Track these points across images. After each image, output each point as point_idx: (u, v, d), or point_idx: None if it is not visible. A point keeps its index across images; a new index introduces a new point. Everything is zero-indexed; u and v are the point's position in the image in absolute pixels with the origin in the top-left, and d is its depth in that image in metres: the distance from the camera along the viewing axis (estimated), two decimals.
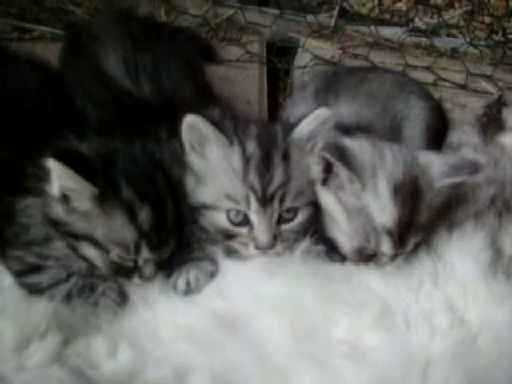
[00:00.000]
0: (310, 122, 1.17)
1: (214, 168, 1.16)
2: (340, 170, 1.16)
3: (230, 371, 1.06)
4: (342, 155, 1.15)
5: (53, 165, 1.02)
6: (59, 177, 1.03)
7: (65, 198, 1.06)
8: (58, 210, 1.08)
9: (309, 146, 1.18)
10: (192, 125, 1.13)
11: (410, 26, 2.17)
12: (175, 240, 1.15)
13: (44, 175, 1.07)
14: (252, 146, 1.15)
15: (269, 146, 1.15)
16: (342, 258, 1.23)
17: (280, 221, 1.17)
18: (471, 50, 2.14)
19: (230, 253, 1.22)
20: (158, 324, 1.15)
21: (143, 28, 1.56)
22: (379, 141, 1.26)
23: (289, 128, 1.18)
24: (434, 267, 1.22)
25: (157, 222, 1.09)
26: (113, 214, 1.06)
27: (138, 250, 1.09)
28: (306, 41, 2.05)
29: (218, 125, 1.15)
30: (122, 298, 1.20)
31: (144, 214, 1.07)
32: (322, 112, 1.17)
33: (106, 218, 1.06)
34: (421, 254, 1.23)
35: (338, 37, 2.11)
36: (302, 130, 1.17)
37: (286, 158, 1.15)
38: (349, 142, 1.20)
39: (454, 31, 2.21)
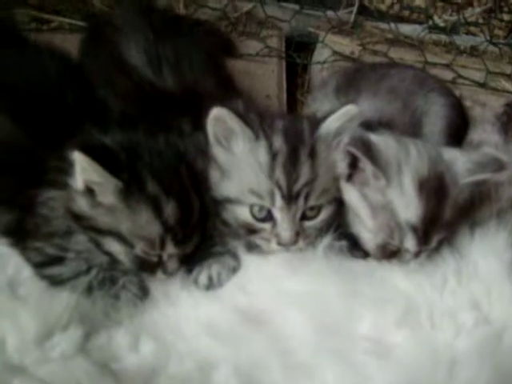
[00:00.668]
0: (338, 118, 1.15)
1: (240, 162, 1.15)
2: (366, 165, 1.14)
3: (254, 366, 1.05)
4: (368, 150, 1.14)
5: (78, 158, 1.01)
6: (84, 170, 1.02)
7: (89, 192, 1.05)
8: (82, 204, 1.07)
9: (335, 142, 1.16)
10: (218, 117, 1.12)
11: (430, 23, 2.14)
12: (200, 235, 1.14)
13: (67, 168, 1.06)
14: (279, 142, 1.13)
15: (296, 141, 1.14)
16: (365, 255, 1.23)
17: (303, 218, 1.16)
18: (490, 48, 2.12)
19: (252, 248, 1.21)
20: (180, 319, 1.14)
21: (164, 20, 1.55)
22: (403, 137, 1.24)
23: (316, 124, 1.17)
24: (457, 266, 1.20)
25: (182, 216, 1.08)
26: (138, 209, 1.05)
27: (163, 245, 1.08)
28: (326, 36, 2.03)
29: (244, 118, 1.13)
30: (143, 292, 1.19)
31: (169, 209, 1.06)
32: (350, 109, 1.15)
33: (131, 213, 1.05)
34: (443, 252, 1.22)
35: (357, 33, 2.10)
36: (329, 126, 1.15)
37: (312, 155, 1.14)
38: (374, 138, 1.19)
39: (473, 29, 2.19)
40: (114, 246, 1.09)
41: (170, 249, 1.10)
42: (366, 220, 1.18)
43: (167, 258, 1.11)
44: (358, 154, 1.13)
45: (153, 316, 1.16)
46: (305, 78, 2.04)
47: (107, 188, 1.04)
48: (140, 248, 1.08)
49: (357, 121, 1.16)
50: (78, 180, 1.04)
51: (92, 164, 1.00)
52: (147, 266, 1.12)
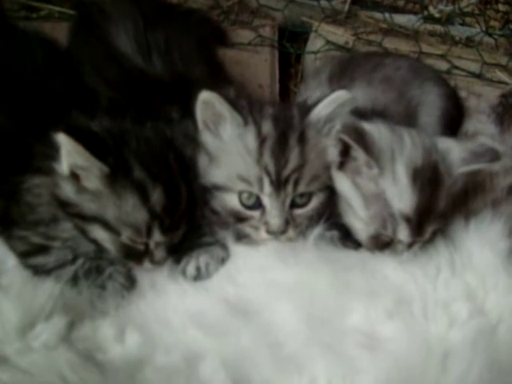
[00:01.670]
0: (328, 104, 1.13)
1: (228, 148, 1.13)
2: (358, 153, 1.12)
3: (241, 358, 1.04)
4: (361, 138, 1.12)
5: (63, 140, 0.98)
6: (69, 153, 1.00)
7: (74, 177, 1.03)
8: (67, 190, 1.05)
9: (326, 128, 1.15)
10: (207, 101, 1.10)
11: (425, 13, 2.13)
12: (187, 223, 1.12)
13: (53, 153, 1.04)
14: (267, 127, 1.12)
15: (285, 127, 1.12)
16: (356, 245, 1.21)
17: (293, 205, 1.14)
18: (486, 39, 2.10)
19: (241, 238, 1.19)
20: (167, 310, 1.13)
21: (154, 8, 1.53)
22: (397, 126, 1.22)
23: (306, 110, 1.15)
24: (451, 256, 1.19)
25: (169, 203, 1.06)
26: (124, 195, 1.03)
27: (149, 233, 1.06)
28: (319, 26, 2.01)
29: (232, 103, 1.11)
30: (130, 282, 1.18)
31: (156, 195, 1.04)
32: (341, 94, 1.13)
33: (117, 199, 1.03)
34: (437, 243, 1.21)
35: (351, 22, 2.07)
36: (320, 112, 1.14)
37: (302, 140, 1.12)
38: (367, 126, 1.17)
39: (468, 20, 2.17)
40: (100, 234, 1.07)
41: (157, 237, 1.08)
42: (359, 210, 1.15)
43: (154, 246, 1.09)
44: (351, 141, 1.11)
45: (139, 307, 1.14)
46: (298, 68, 2.02)
47: (92, 173, 1.02)
48: (126, 235, 1.06)
49: (349, 106, 1.14)
50: (64, 164, 1.02)
51: (77, 147, 0.99)
52: (134, 255, 1.10)
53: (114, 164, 1.02)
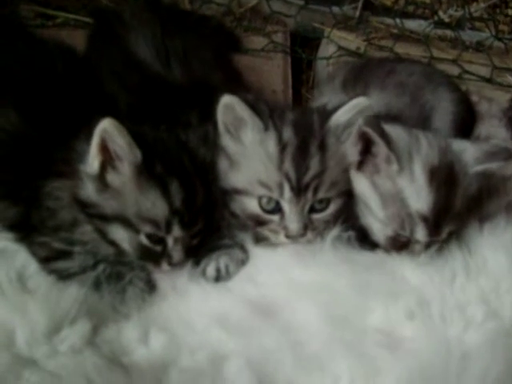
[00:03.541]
0: (348, 110, 1.15)
1: (249, 152, 1.14)
2: (379, 147, 1.14)
3: (265, 358, 1.04)
4: (383, 131, 1.13)
5: (107, 124, 1.01)
6: (111, 137, 1.02)
7: (102, 169, 1.06)
8: (89, 190, 1.08)
9: (345, 135, 1.16)
10: (228, 105, 1.12)
11: (435, 18, 2.14)
12: (205, 221, 1.14)
13: (75, 157, 1.08)
14: (288, 133, 1.13)
15: (305, 133, 1.14)
16: (373, 247, 1.22)
17: (312, 210, 1.16)
18: (496, 43, 2.11)
19: (260, 240, 1.21)
20: (190, 311, 1.13)
21: (171, 15, 1.55)
22: (412, 129, 1.24)
23: (326, 116, 1.16)
24: (465, 260, 1.20)
25: (186, 198, 1.08)
26: (147, 188, 1.06)
27: (168, 228, 1.08)
28: (331, 32, 2.02)
29: (253, 108, 1.13)
30: (150, 287, 1.18)
31: (174, 189, 1.06)
32: (361, 101, 1.15)
33: (140, 193, 1.06)
34: (452, 247, 1.21)
35: (362, 28, 2.09)
36: (340, 118, 1.15)
37: (322, 147, 1.13)
38: (386, 127, 1.18)
39: (478, 24, 2.18)
40: (119, 233, 1.09)
41: (176, 231, 1.09)
42: (377, 210, 1.17)
43: (173, 244, 1.11)
44: (373, 134, 1.12)
45: (161, 309, 1.15)
46: (309, 73, 2.04)
47: (127, 159, 1.04)
48: (145, 232, 1.08)
49: (367, 113, 1.15)
50: (93, 153, 1.05)
51: (120, 128, 1.02)
52: (151, 256, 1.12)
53: (142, 156, 1.05)
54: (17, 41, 1.36)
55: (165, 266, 1.14)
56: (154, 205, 1.06)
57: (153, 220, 1.07)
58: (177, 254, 1.12)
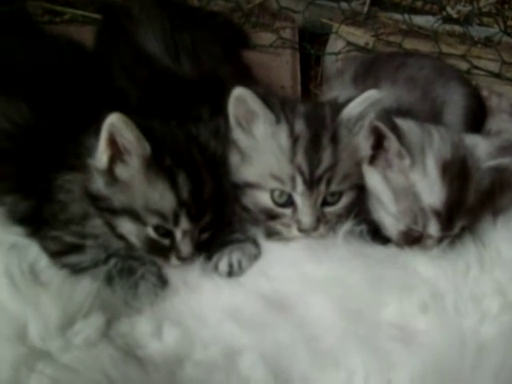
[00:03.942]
0: (360, 102, 1.14)
1: (260, 146, 1.14)
2: (391, 142, 1.13)
3: (279, 353, 1.04)
4: (395, 126, 1.13)
5: (115, 118, 1.01)
6: (119, 131, 1.02)
7: (110, 166, 1.06)
8: (99, 183, 1.08)
9: (357, 127, 1.16)
10: (240, 98, 1.11)
11: (443, 14, 2.13)
12: (214, 214, 1.13)
13: (85, 151, 1.09)
14: (300, 126, 1.13)
15: (317, 126, 1.13)
16: (385, 241, 1.21)
17: (324, 203, 1.15)
18: (504, 38, 2.10)
19: (272, 235, 1.20)
20: (202, 306, 1.13)
21: (180, 10, 1.55)
22: (425, 123, 1.24)
23: (338, 109, 1.16)
24: (479, 253, 1.20)
25: (194, 190, 1.08)
26: (155, 180, 1.06)
27: (176, 220, 1.08)
28: (339, 27, 2.02)
29: (265, 100, 1.12)
30: (162, 282, 1.18)
31: (182, 180, 1.06)
32: (373, 94, 1.14)
33: (148, 186, 1.06)
34: (466, 240, 1.21)
35: (371, 24, 2.08)
36: (352, 110, 1.14)
37: (334, 140, 1.13)
38: (398, 121, 1.17)
39: (486, 20, 2.18)
40: (127, 226, 1.09)
41: (184, 224, 1.09)
42: (389, 205, 1.17)
43: (181, 237, 1.10)
44: (385, 129, 1.12)
45: (174, 303, 1.15)
46: (318, 69, 2.03)
47: (136, 151, 1.05)
48: (152, 224, 1.08)
49: (379, 106, 1.15)
50: (102, 147, 1.05)
51: (129, 122, 1.02)
52: (159, 250, 1.12)
53: (151, 149, 1.05)
54: (27, 36, 1.35)
55: (174, 260, 1.13)
56: (162, 197, 1.06)
57: (160, 212, 1.07)
58: (185, 247, 1.11)
